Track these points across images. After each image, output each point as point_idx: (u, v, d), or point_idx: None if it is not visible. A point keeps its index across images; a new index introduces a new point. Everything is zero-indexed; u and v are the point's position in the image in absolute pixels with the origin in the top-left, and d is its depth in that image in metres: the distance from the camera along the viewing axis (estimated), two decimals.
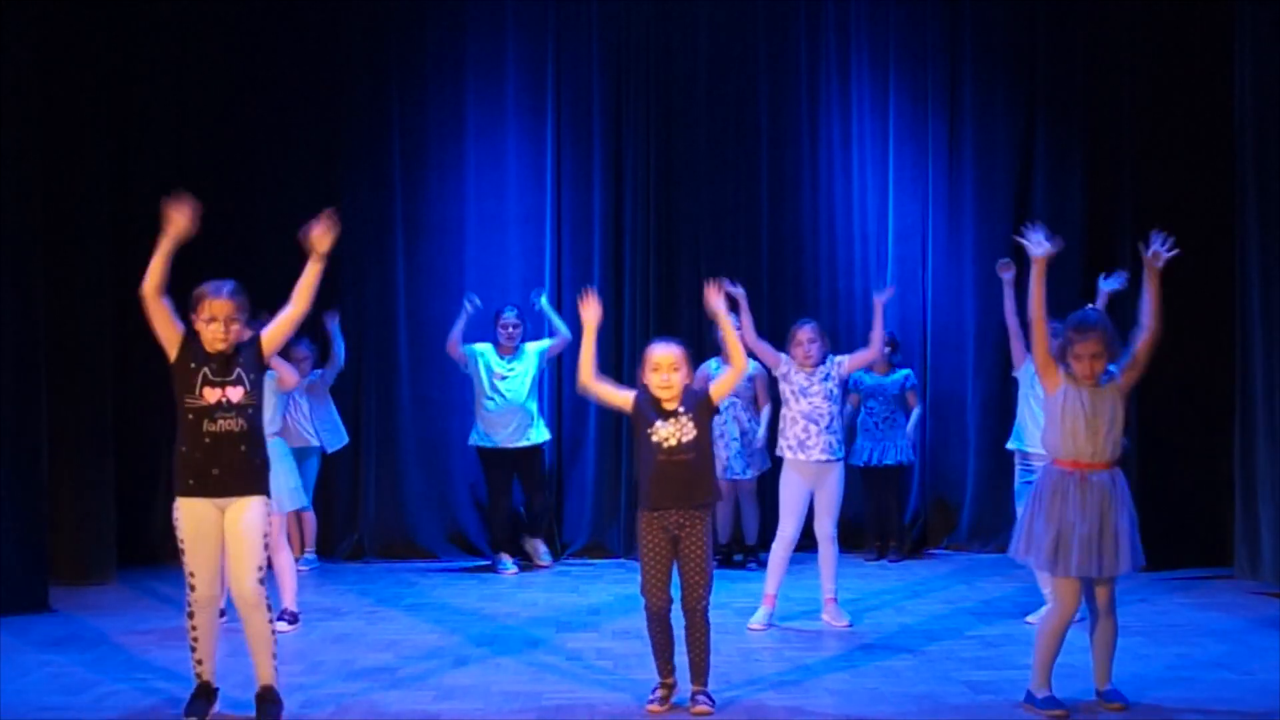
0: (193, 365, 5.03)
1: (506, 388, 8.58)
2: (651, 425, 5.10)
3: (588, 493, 9.10)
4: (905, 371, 8.92)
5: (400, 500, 9.13)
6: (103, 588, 7.76)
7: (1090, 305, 5.46)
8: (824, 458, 6.66)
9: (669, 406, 5.12)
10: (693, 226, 9.36)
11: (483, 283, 9.26)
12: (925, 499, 9.35)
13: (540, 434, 8.70)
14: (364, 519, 9.04)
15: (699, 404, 5.14)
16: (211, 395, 5.00)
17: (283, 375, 6.78)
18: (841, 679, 5.62)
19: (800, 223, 9.46)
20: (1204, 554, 8.30)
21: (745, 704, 5.24)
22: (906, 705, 5.21)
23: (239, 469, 4.98)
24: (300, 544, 8.56)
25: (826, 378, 6.77)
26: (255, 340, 5.21)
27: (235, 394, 5.02)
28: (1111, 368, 5.14)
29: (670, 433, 5.08)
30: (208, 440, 4.96)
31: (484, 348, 8.70)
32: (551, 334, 8.73)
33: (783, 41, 9.44)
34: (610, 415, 9.03)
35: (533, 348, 8.70)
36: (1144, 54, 8.69)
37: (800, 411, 6.71)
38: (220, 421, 4.97)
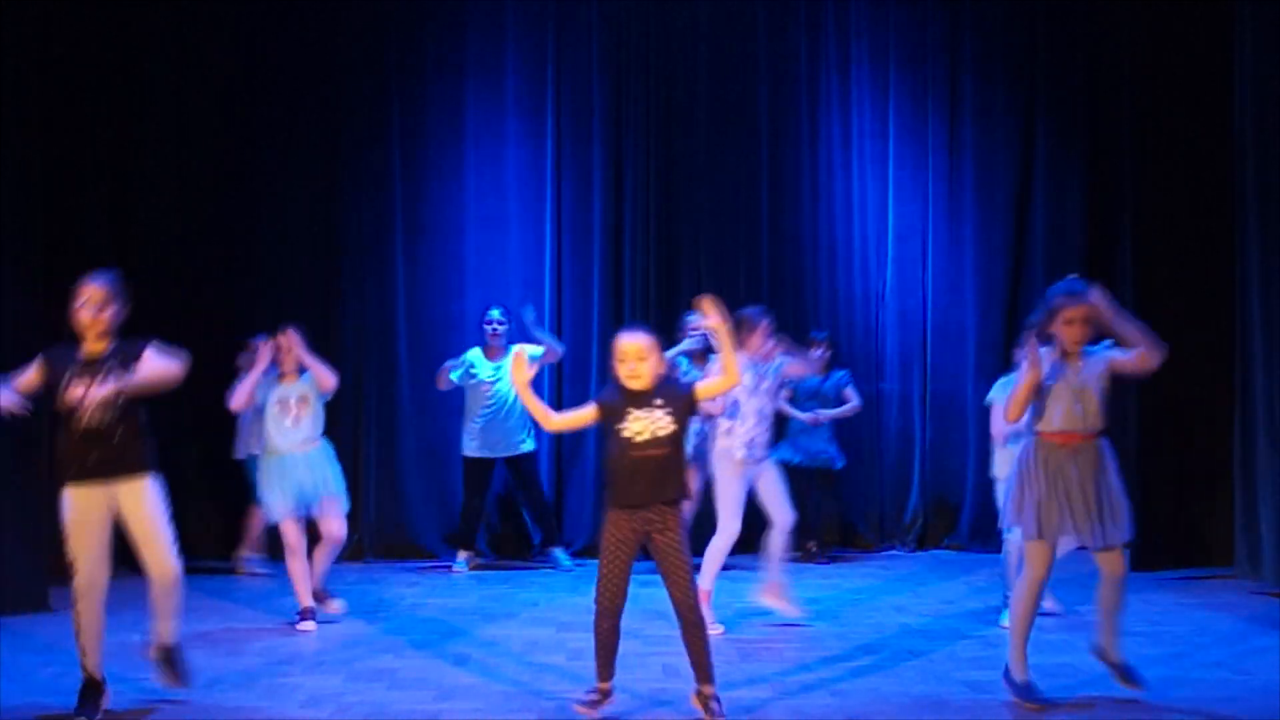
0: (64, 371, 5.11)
1: (493, 393, 8.56)
2: (623, 420, 4.89)
3: (588, 493, 9.10)
4: (841, 372, 8.91)
5: (400, 501, 9.13)
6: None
7: (1073, 275, 5.45)
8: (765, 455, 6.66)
9: (639, 388, 4.92)
10: (693, 226, 9.37)
11: (483, 283, 9.27)
12: (925, 499, 9.35)
13: (530, 443, 8.66)
14: (364, 519, 9.04)
15: (679, 399, 4.94)
16: (76, 393, 5.06)
17: (320, 377, 6.77)
18: (841, 679, 5.62)
19: (800, 223, 9.48)
20: (1204, 554, 8.30)
21: (745, 704, 5.24)
22: (906, 705, 5.21)
23: (115, 454, 5.05)
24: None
25: (776, 373, 6.73)
26: (138, 351, 5.14)
27: (101, 392, 5.05)
28: (1104, 345, 5.18)
29: (643, 426, 4.87)
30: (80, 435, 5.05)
31: (473, 354, 8.67)
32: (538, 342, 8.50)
33: (783, 41, 9.45)
34: None
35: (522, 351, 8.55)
36: (1144, 54, 8.70)
37: (751, 408, 6.61)
38: (88, 417, 5.04)
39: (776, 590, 6.75)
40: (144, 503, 5.07)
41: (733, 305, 8.85)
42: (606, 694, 5.02)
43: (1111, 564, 5.17)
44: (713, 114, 9.37)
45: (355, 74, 9.19)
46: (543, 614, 7.16)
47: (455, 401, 9.19)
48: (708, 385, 5.08)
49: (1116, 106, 9.01)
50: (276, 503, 6.78)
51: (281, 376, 6.85)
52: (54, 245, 7.61)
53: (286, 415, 6.82)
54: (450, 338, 9.23)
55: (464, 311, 9.29)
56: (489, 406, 8.59)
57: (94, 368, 5.08)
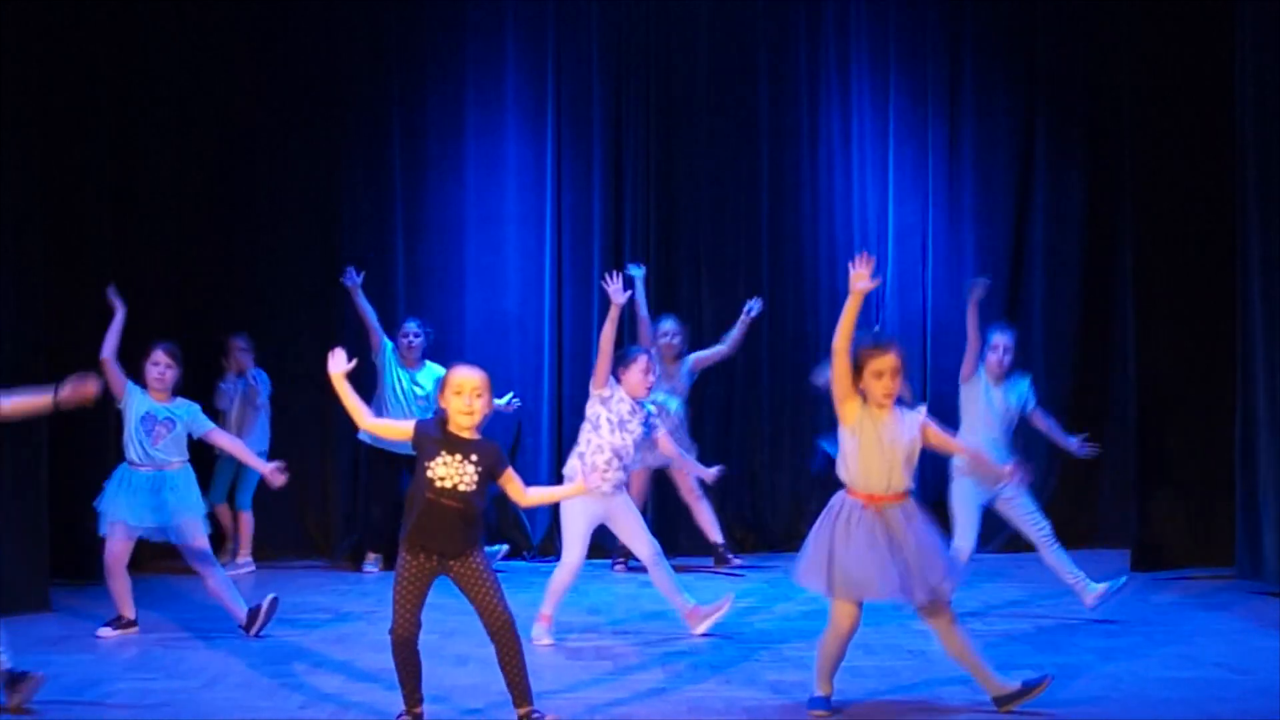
0: None
1: (400, 392, 8.55)
2: (433, 459, 4.73)
3: None
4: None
5: (400, 501, 9.09)
6: (103, 588, 7.73)
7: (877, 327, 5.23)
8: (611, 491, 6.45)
9: (463, 436, 4.77)
10: (693, 226, 9.37)
11: (483, 283, 9.28)
12: (925, 499, 9.33)
13: None
14: (364, 519, 9.03)
15: (491, 463, 4.79)
16: None
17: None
18: (841, 679, 5.61)
19: (800, 223, 9.48)
20: (1204, 554, 8.29)
21: (744, 704, 5.24)
22: (906, 705, 5.21)
23: None
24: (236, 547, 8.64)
25: (647, 417, 6.54)
26: None
27: None
28: (919, 405, 5.00)
29: (449, 474, 4.72)
30: None
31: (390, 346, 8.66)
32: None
33: (783, 41, 9.45)
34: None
35: (437, 371, 8.46)
36: (1144, 53, 8.70)
37: (610, 444, 6.44)
38: None
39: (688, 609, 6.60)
40: None
41: (732, 305, 8.96)
42: (418, 718, 4.89)
43: (848, 615, 5.01)
44: (713, 113, 9.37)
45: (355, 73, 9.19)
46: None
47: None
48: (509, 487, 4.89)
49: (1116, 106, 9.02)
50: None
51: (152, 392, 6.65)
52: (55, 246, 7.61)
53: (151, 434, 6.62)
54: (449, 337, 9.23)
55: (463, 310, 9.28)
56: (391, 403, 8.53)
57: None
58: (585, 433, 6.55)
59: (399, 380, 8.60)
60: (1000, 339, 7.01)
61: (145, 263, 8.75)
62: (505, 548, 8.80)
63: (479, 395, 4.79)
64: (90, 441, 7.97)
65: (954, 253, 9.46)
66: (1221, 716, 5.04)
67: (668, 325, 8.52)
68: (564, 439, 9.19)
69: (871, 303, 9.44)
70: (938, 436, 5.05)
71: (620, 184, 9.33)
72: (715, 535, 8.55)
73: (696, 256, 9.37)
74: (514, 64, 9.34)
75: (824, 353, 8.12)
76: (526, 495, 5.04)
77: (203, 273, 8.99)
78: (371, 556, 8.63)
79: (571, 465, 6.51)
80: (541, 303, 9.26)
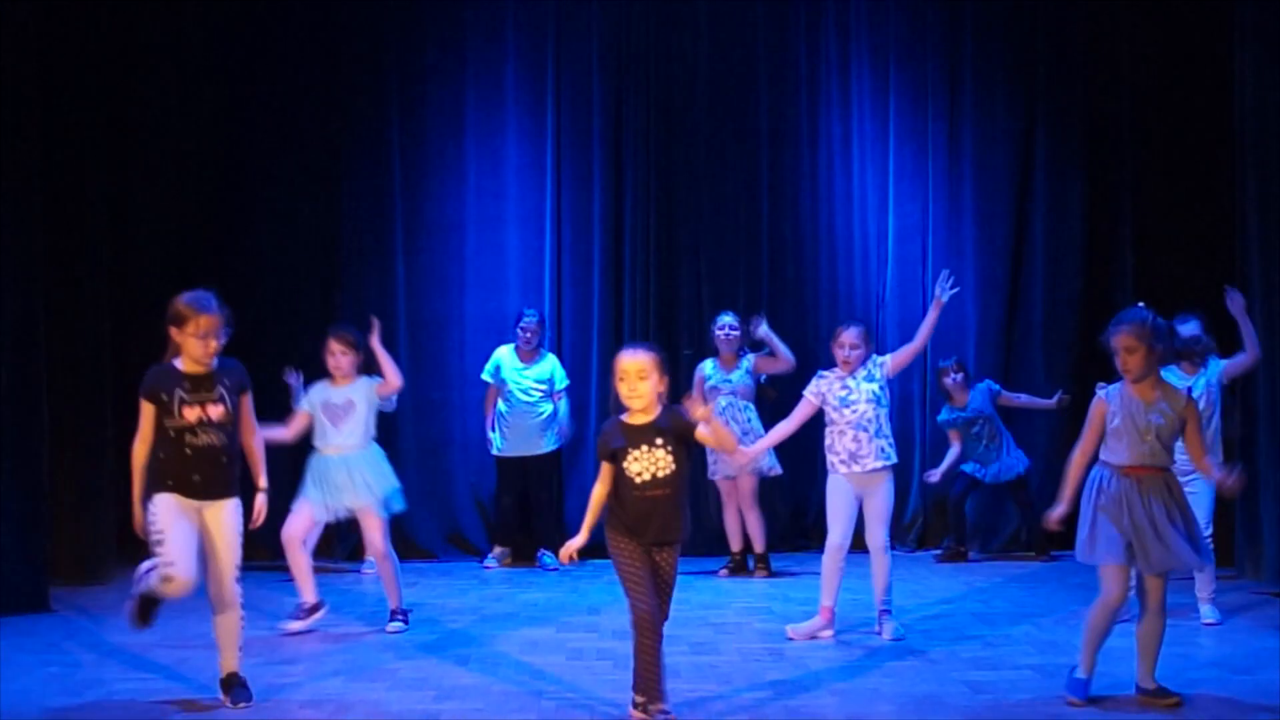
0: (165, 394, 5.12)
1: (519, 393, 8.67)
2: (625, 460, 4.81)
3: (588, 494, 9.04)
4: (981, 386, 8.93)
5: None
6: (103, 588, 7.76)
7: (1141, 304, 5.35)
8: (877, 465, 6.42)
9: (639, 422, 4.82)
10: (693, 226, 9.37)
11: (483, 283, 9.28)
12: (925, 499, 9.35)
13: (550, 442, 8.76)
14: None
15: (678, 435, 4.82)
16: (191, 414, 5.09)
17: (389, 379, 6.77)
18: (842, 679, 5.62)
19: (800, 223, 9.48)
20: None
21: (746, 704, 5.24)
22: (906, 705, 5.21)
23: (215, 477, 5.11)
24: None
25: (870, 379, 6.47)
26: (241, 369, 5.31)
27: (215, 412, 5.12)
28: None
29: (643, 467, 4.80)
30: (189, 453, 5.07)
31: (503, 353, 8.75)
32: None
33: (783, 41, 9.45)
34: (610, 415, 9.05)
35: (554, 361, 8.78)
36: (1144, 53, 8.70)
37: (848, 422, 6.42)
38: (201, 436, 5.08)
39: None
40: (225, 524, 5.15)
41: (732, 306, 8.94)
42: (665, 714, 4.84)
43: (1153, 591, 5.13)
44: (713, 114, 9.37)
45: (355, 73, 9.19)
46: (543, 614, 7.16)
47: (455, 400, 9.20)
48: (704, 435, 4.87)
49: (1116, 106, 9.02)
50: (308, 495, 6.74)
51: (332, 381, 6.78)
52: (55, 246, 7.61)
53: (332, 419, 6.73)
54: (450, 337, 9.24)
55: (463, 310, 9.29)
56: (514, 406, 8.65)
57: (203, 388, 5.12)
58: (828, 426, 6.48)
59: (518, 381, 8.67)
60: None
61: (145, 263, 8.75)
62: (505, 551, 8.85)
63: (643, 378, 4.81)
64: (90, 442, 7.99)
65: (954, 253, 9.44)
66: (1221, 716, 5.04)
67: (727, 319, 8.39)
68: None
69: (872, 303, 9.49)
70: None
71: (620, 184, 9.33)
72: (760, 545, 8.40)
73: (696, 256, 9.37)
74: (514, 64, 9.34)
75: (824, 355, 8.15)
76: (722, 440, 5.13)
77: (203, 273, 8.95)
78: (497, 550, 8.80)
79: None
80: (541, 303, 9.24)
